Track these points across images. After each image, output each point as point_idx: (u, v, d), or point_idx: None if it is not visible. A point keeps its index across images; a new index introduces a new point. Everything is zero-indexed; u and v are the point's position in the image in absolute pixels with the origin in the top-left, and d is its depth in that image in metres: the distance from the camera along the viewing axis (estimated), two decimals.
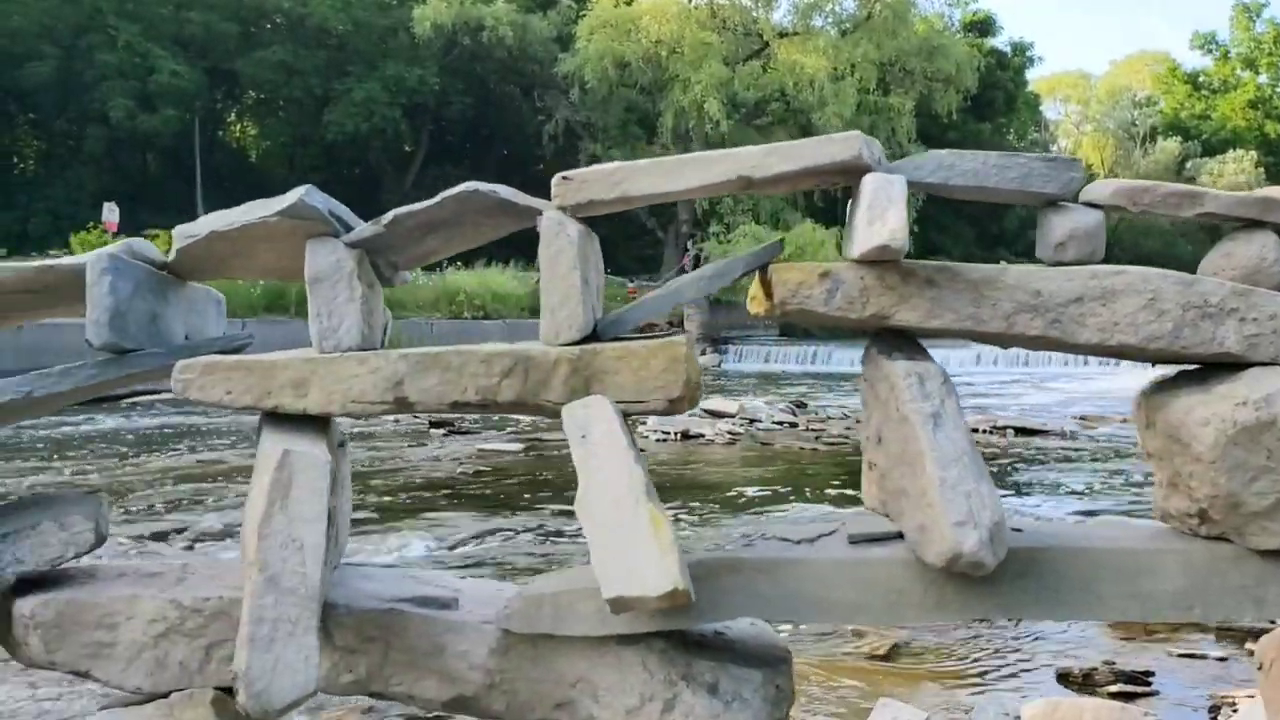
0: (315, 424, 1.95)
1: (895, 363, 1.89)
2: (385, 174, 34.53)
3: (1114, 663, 3.94)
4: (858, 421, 13.32)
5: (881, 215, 1.78)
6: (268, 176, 35.13)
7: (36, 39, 28.94)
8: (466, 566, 6.19)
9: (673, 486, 8.54)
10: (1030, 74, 49.57)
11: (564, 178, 1.97)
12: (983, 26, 45.63)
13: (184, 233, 2.03)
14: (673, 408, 1.89)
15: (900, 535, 1.92)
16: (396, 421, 13.98)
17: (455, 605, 2.01)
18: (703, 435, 12.10)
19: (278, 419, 1.94)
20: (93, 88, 29.60)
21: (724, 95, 33.70)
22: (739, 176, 1.89)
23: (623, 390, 1.87)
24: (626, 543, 1.66)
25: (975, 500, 1.72)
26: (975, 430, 11.97)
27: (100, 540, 2.01)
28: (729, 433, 12.34)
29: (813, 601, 1.85)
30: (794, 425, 13.27)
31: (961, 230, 42.38)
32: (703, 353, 30.30)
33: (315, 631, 1.69)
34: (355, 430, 12.45)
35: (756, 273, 2.08)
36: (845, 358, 25.00)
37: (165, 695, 1.92)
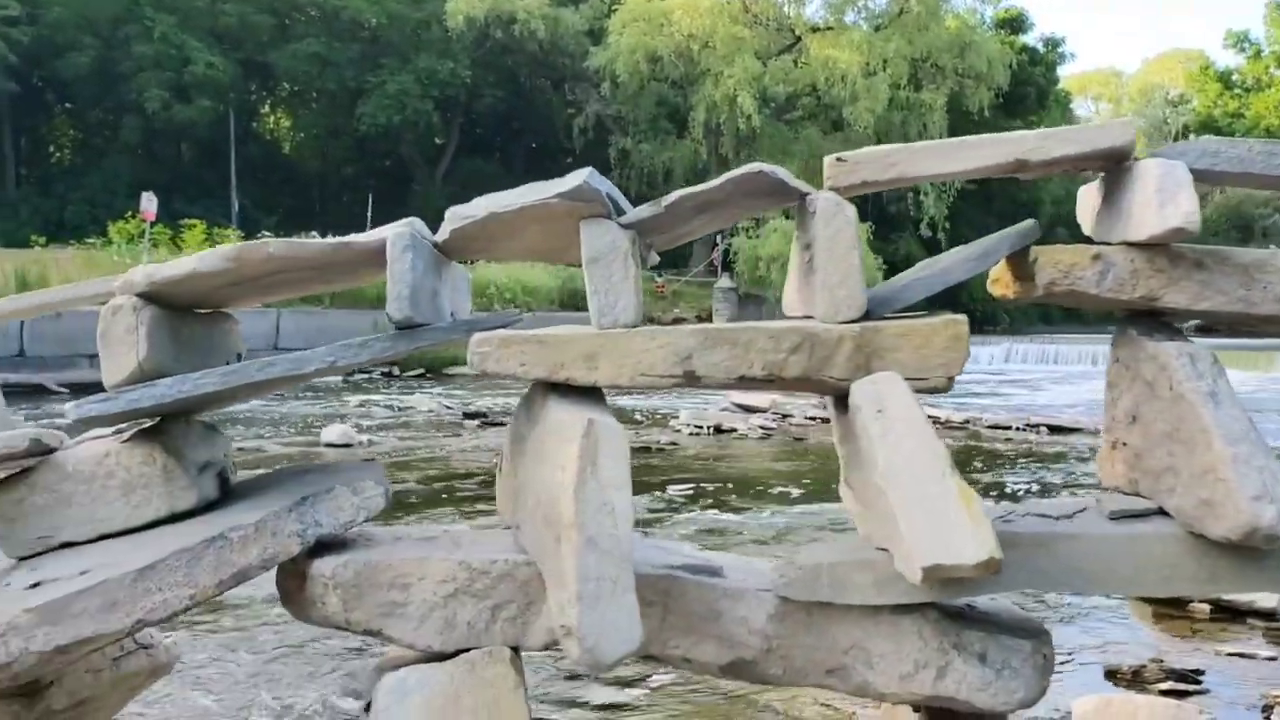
0: (598, 395, 2.03)
1: (1164, 344, 1.95)
2: (417, 167, 34.67)
3: (1163, 660, 3.90)
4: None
5: (1173, 198, 1.84)
6: (300, 168, 35.38)
7: (76, 30, 29.18)
8: None
9: (707, 480, 8.60)
10: (1062, 71, 49.36)
11: (839, 159, 2.03)
12: (1014, 23, 45.44)
13: (459, 214, 2.11)
14: (949, 385, 1.96)
15: (1160, 511, 1.98)
16: (430, 412, 14.11)
17: (722, 573, 2.09)
18: (735, 429, 12.12)
19: (562, 390, 2.01)
20: (129, 78, 29.82)
21: (756, 90, 33.71)
22: (1016, 159, 1.95)
23: (904, 367, 1.94)
24: (937, 514, 1.73)
25: (1268, 475, 1.78)
26: (1009, 428, 12.07)
27: (386, 505, 2.09)
28: (761, 427, 12.36)
29: (1089, 575, 1.91)
30: (826, 420, 13.27)
31: (990, 226, 42.12)
32: None
33: (633, 590, 1.76)
34: (389, 422, 12.54)
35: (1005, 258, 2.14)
36: None
37: (452, 655, 2.00)
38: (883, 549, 1.92)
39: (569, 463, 1.82)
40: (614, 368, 1.96)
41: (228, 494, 2.12)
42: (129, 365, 1.99)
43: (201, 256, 1.99)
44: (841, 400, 2.12)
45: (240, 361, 2.18)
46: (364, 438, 11.15)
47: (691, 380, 1.96)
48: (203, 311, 2.24)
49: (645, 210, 2.06)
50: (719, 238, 34.53)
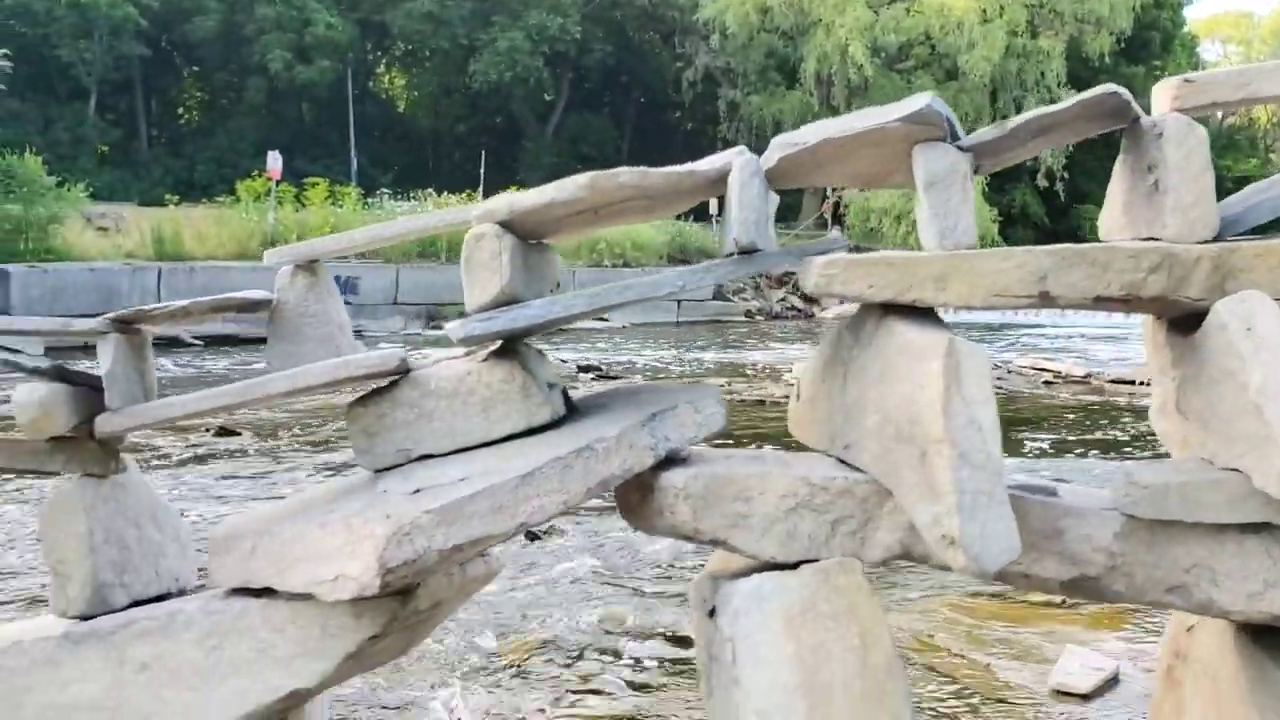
0: (936, 316, 2.07)
1: None
2: (527, 123, 34.90)
3: None
4: (1009, 372, 13.09)
5: None
6: (414, 126, 35.94)
7: None
8: None
9: (782, 437, 8.58)
10: (1188, 13, 47.08)
11: (1186, 80, 2.02)
12: None
13: (787, 141, 2.15)
14: None
15: None
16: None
17: (1057, 494, 2.12)
18: None
19: (904, 313, 2.06)
20: (253, 40, 30.60)
21: (868, 39, 33.01)
22: None
23: (1258, 287, 1.93)
24: None
25: None
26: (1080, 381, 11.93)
27: (720, 425, 2.17)
28: None
29: None
30: None
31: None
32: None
33: (1008, 503, 1.81)
34: None
35: None
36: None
37: (792, 566, 2.08)
38: (1232, 469, 1.93)
39: (931, 381, 1.86)
40: (965, 288, 2.00)
41: (571, 411, 2.22)
42: (492, 290, 2.10)
43: (559, 185, 2.07)
44: (1175, 323, 2.13)
45: (555, 292, 2.28)
46: None
47: (1046, 301, 1.98)
48: (532, 243, 2.34)
49: (987, 133, 2.08)
50: (829, 190, 34.08)
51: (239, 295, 2.28)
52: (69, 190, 22.69)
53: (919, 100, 2.05)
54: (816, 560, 2.06)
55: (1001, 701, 3.50)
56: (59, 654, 2.10)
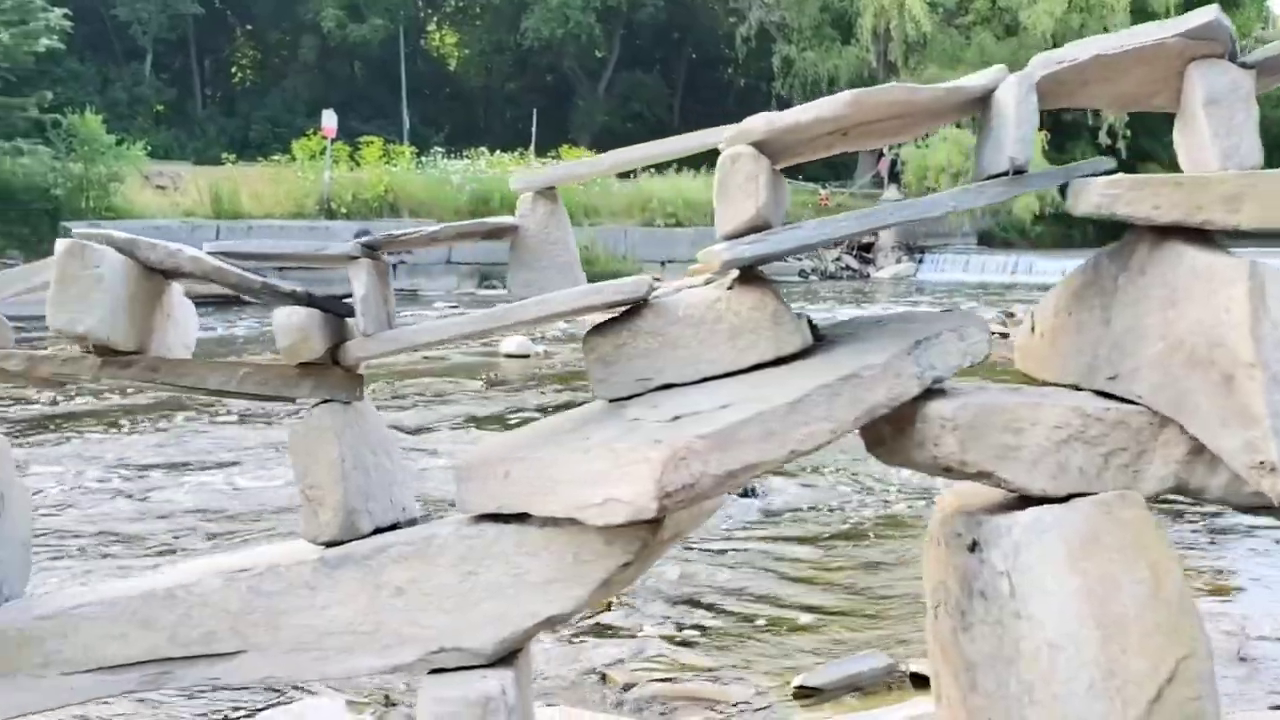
0: (1218, 239, 2.00)
1: None
2: (578, 81, 34.66)
3: None
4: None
5: None
6: (465, 85, 35.83)
7: None
8: None
9: None
10: None
11: None
12: None
13: (1054, 58, 2.09)
14: None
15: None
16: None
17: None
18: None
19: (1189, 236, 1.99)
20: None
21: None
22: None
23: None
24: None
25: None
26: None
27: (984, 354, 2.12)
28: None
29: None
30: (1005, 336, 13.01)
31: (1172, 136, 39.75)
32: (898, 261, 29.65)
33: None
34: (562, 335, 12.66)
35: None
36: (1050, 268, 24.05)
37: (1063, 499, 2.02)
38: None
39: (1236, 304, 1.80)
40: (1260, 210, 1.92)
41: (818, 341, 2.18)
42: (747, 213, 2.05)
43: (822, 103, 2.01)
44: None
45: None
46: (540, 348, 11.37)
47: None
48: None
49: (1274, 48, 1.99)
50: (886, 147, 33.59)
51: (490, 221, 2.26)
52: (128, 149, 22.88)
53: (1204, 14, 1.96)
54: (1087, 494, 2.01)
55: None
56: (316, 578, 2.11)
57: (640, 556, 2.08)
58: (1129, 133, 33.79)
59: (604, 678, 3.64)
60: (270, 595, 2.10)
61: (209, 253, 2.07)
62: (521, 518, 2.09)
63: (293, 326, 2.04)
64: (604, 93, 34.44)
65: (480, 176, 25.00)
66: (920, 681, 3.34)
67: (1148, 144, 36.84)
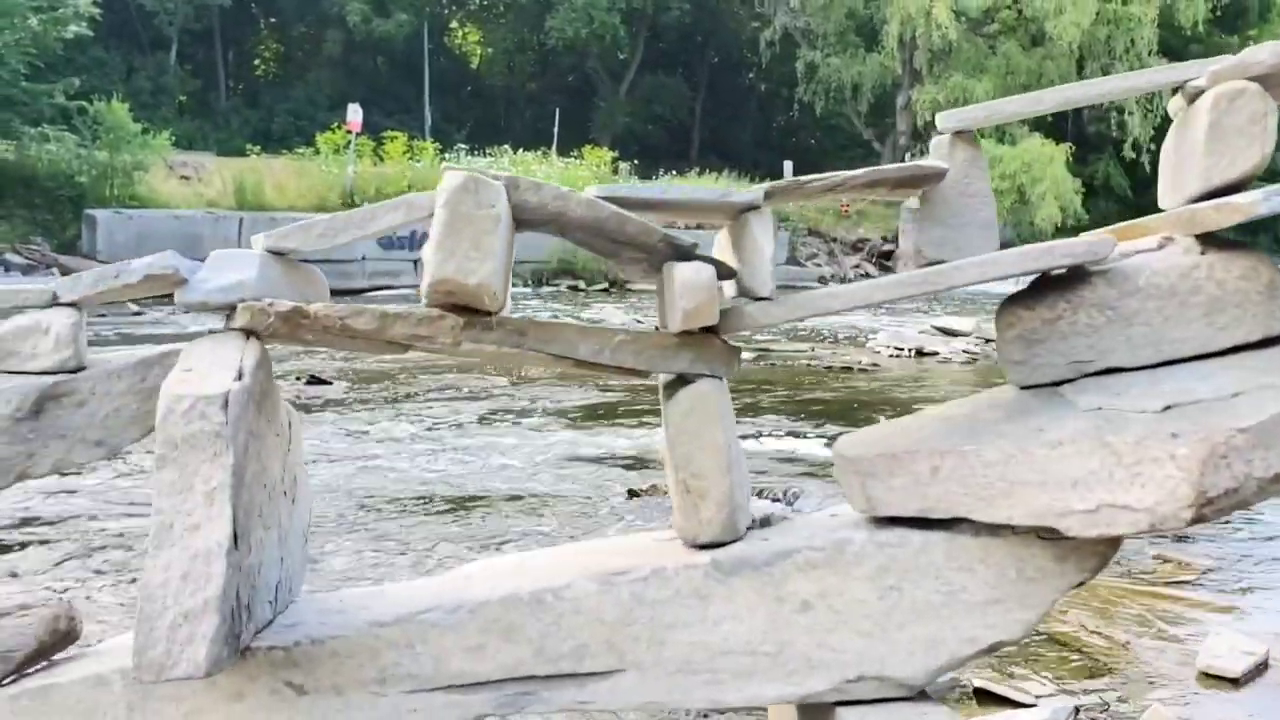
0: None
1: None
2: (601, 82, 34.40)
3: None
4: None
5: None
6: (487, 82, 35.57)
7: None
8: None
9: (907, 402, 8.34)
10: None
11: None
12: None
13: None
14: None
15: None
16: (621, 325, 14.04)
17: None
18: (937, 353, 11.78)
19: None
20: None
21: (953, 2, 32.11)
22: None
23: None
24: None
25: None
26: None
27: None
28: (965, 351, 11.92)
29: None
30: None
31: None
32: (919, 268, 29.44)
33: None
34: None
35: None
36: None
37: None
38: None
39: None
40: None
41: None
42: (1246, 162, 1.74)
43: None
44: None
45: None
46: None
47: None
48: None
49: None
50: (908, 155, 33.30)
51: (907, 166, 1.94)
52: (153, 138, 22.58)
53: None
54: None
55: (1149, 683, 3.29)
56: (708, 586, 1.78)
57: (1093, 575, 1.76)
58: (1153, 145, 33.54)
59: None
60: (654, 604, 1.77)
61: (599, 196, 1.74)
62: (949, 524, 1.76)
63: (702, 285, 1.72)
64: (626, 94, 34.19)
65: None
66: (985, 697, 3.16)
67: None
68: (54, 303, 1.87)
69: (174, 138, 23.81)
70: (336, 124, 24.22)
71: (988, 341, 12.55)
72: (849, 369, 10.36)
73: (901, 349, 11.96)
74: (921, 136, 32.78)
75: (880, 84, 33.64)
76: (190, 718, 1.75)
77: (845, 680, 1.75)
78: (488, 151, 26.33)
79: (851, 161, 35.69)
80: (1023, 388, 1.92)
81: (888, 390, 9.20)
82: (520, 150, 26.83)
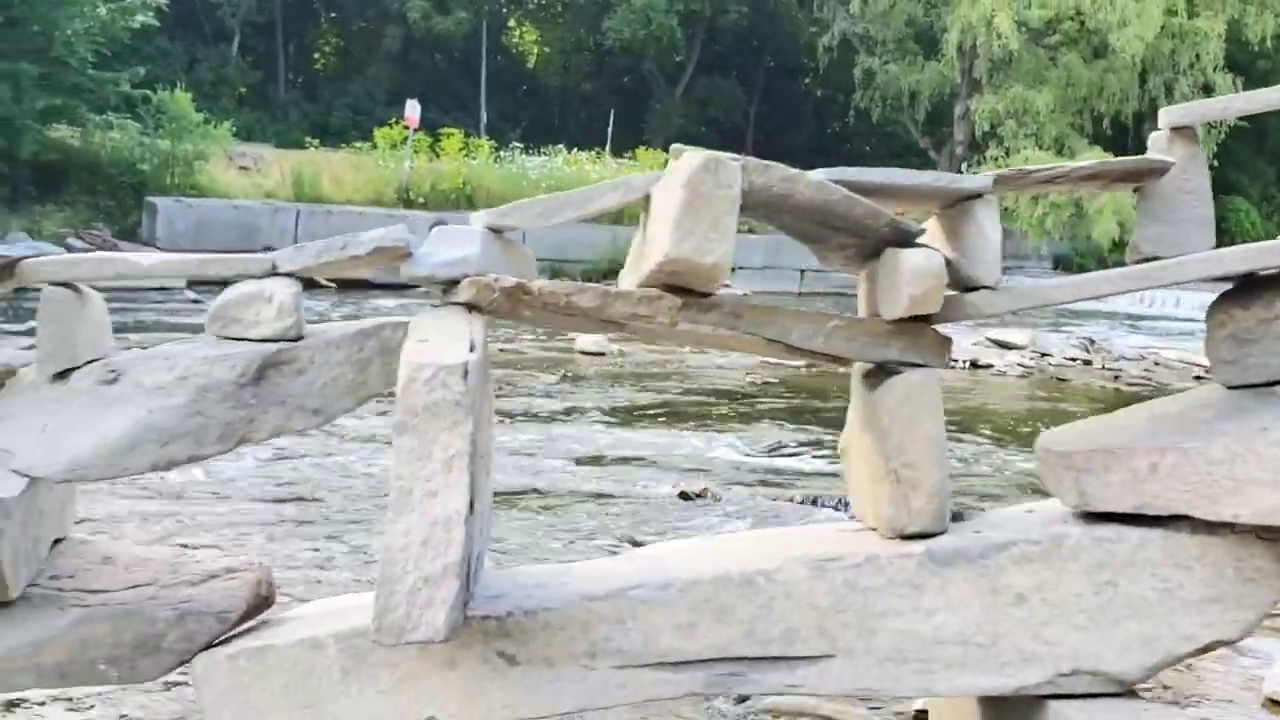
0: None
1: None
2: (656, 84, 34.40)
3: None
4: (1155, 364, 12.52)
5: None
6: (543, 82, 35.70)
7: None
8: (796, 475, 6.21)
9: (960, 413, 8.24)
10: None
11: None
12: None
13: None
14: None
15: None
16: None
17: None
18: (991, 366, 11.71)
19: None
20: None
21: (1014, 11, 31.79)
22: None
23: None
24: None
25: None
26: None
27: None
28: (1019, 365, 11.81)
29: None
30: (1088, 363, 12.64)
31: (1260, 168, 39.01)
32: None
33: None
34: (633, 336, 12.51)
35: None
36: (1125, 297, 23.44)
37: None
38: None
39: None
40: None
41: None
42: None
43: None
44: None
45: None
46: (615, 346, 11.16)
47: None
48: None
49: None
50: (965, 166, 33.04)
51: (1129, 160, 1.93)
52: (215, 128, 22.88)
53: None
54: None
55: (1213, 708, 3.17)
56: (921, 576, 1.79)
57: None
58: (1216, 163, 33.02)
59: None
60: (867, 592, 1.78)
61: (832, 180, 1.75)
62: (1165, 521, 1.75)
63: (931, 271, 1.72)
64: (681, 96, 34.15)
65: (556, 174, 24.92)
66: None
67: (1233, 174, 36.17)
68: (273, 272, 1.90)
69: (234, 129, 24.11)
70: (394, 119, 24.41)
71: (1043, 355, 12.42)
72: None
73: (956, 360, 11.91)
74: (979, 146, 32.49)
75: (938, 92, 33.41)
76: (404, 683, 1.78)
77: (1059, 674, 1.75)
78: (542, 150, 26.43)
79: (911, 169, 35.15)
80: (1230, 387, 1.90)
81: (945, 402, 9.15)
82: (574, 150, 26.90)
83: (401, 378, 1.64)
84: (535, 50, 36.29)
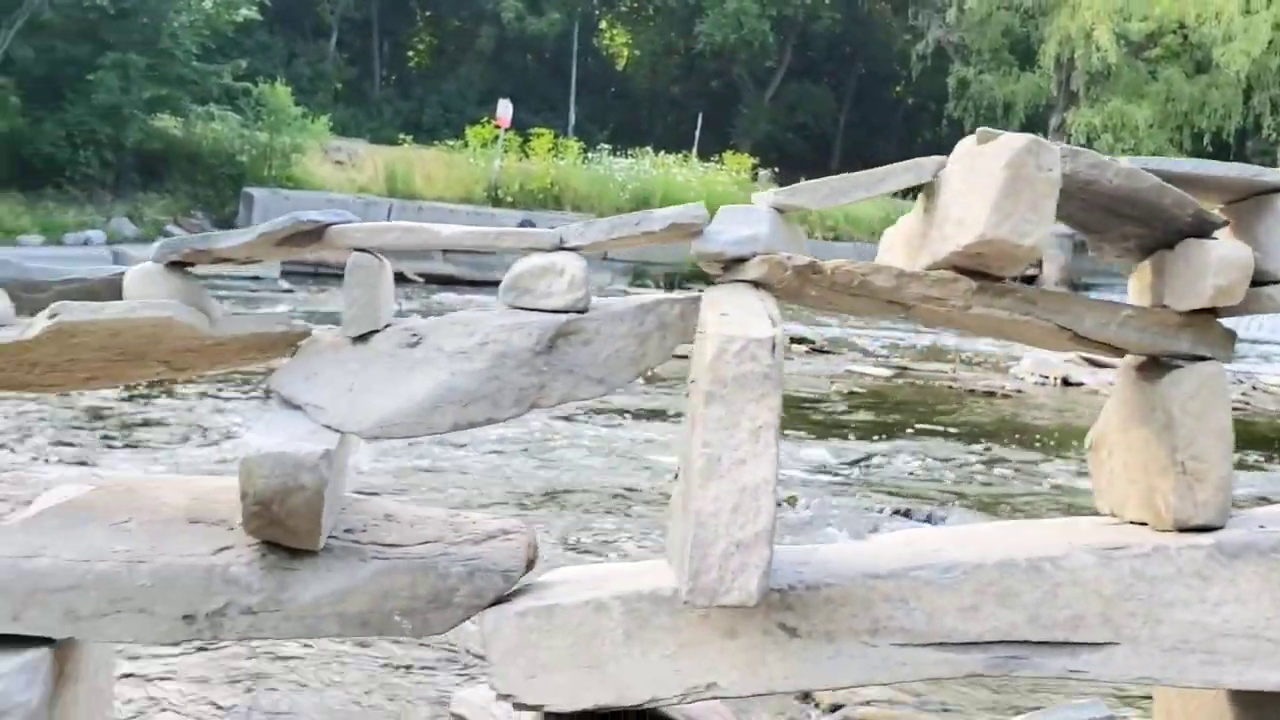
0: None
1: None
2: (745, 89, 34.39)
3: None
4: (1254, 389, 12.12)
5: None
6: (631, 84, 35.90)
7: None
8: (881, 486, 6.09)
9: (1056, 431, 8.01)
10: None
11: None
12: None
13: None
14: None
15: None
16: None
17: None
18: (1084, 384, 11.41)
19: None
20: None
21: (1115, 23, 31.13)
22: None
23: None
24: None
25: None
26: None
27: None
28: (1113, 383, 11.50)
29: None
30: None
31: None
32: None
33: None
34: None
35: None
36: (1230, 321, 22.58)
37: None
38: None
39: None
40: None
41: None
42: None
43: None
44: None
45: None
46: None
47: None
48: None
49: None
50: None
51: None
52: (313, 122, 23.34)
53: None
54: None
55: None
56: (1210, 567, 1.78)
57: None
58: None
59: (808, 695, 3.31)
60: (1154, 581, 1.78)
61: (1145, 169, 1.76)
62: None
63: (1239, 262, 1.72)
64: (770, 101, 34.08)
65: (642, 176, 25.00)
66: None
67: None
68: (559, 247, 1.96)
69: (330, 124, 24.60)
70: (486, 118, 24.71)
71: None
72: (992, 394, 10.15)
73: (1047, 377, 11.69)
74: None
75: (1033, 104, 32.87)
76: (685, 649, 1.82)
77: None
78: (629, 152, 26.55)
79: None
80: None
81: (1035, 418, 9.00)
82: (661, 153, 26.96)
83: (710, 349, 1.68)
84: (625, 52, 36.52)
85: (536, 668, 1.83)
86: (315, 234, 1.93)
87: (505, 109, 24.07)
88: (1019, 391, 10.50)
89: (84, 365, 1.94)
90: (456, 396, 1.87)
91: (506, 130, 23.90)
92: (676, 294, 1.98)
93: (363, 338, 1.93)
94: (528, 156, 24.54)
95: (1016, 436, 7.90)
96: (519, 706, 1.84)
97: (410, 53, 34.51)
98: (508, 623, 1.84)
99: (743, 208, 1.93)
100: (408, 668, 3.23)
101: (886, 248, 2.10)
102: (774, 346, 1.67)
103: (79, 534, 1.81)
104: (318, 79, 30.70)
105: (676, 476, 1.96)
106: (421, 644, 3.30)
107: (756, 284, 1.86)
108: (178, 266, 1.92)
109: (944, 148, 1.98)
